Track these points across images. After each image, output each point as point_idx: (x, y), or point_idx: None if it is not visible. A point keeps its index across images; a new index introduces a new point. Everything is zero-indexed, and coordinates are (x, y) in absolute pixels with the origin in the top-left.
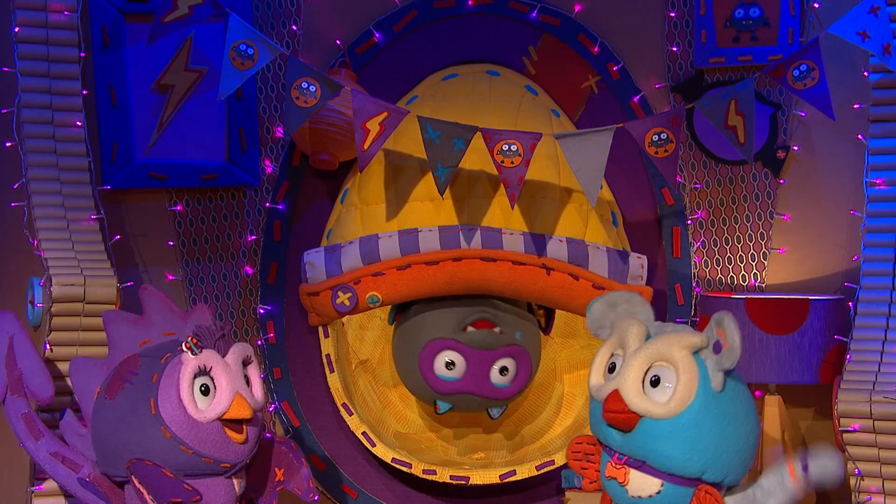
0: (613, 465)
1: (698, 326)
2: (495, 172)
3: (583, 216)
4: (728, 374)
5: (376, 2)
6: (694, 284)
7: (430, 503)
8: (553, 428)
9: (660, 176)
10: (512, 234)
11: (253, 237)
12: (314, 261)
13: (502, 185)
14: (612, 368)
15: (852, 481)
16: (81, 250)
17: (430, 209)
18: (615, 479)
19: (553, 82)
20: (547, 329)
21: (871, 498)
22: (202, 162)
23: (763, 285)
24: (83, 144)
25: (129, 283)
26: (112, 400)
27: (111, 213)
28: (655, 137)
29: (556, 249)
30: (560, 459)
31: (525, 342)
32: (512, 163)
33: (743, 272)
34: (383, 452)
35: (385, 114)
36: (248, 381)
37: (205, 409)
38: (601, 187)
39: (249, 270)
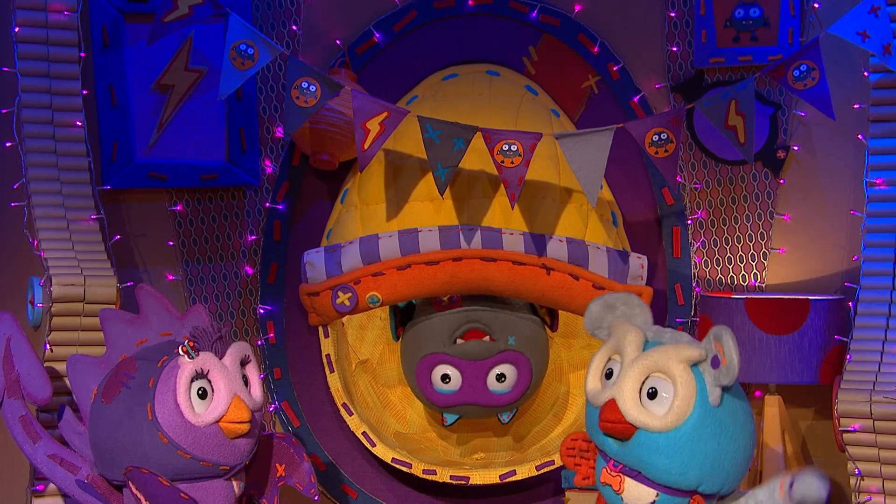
0: (609, 472)
1: (698, 327)
2: (495, 172)
3: (583, 216)
4: (726, 389)
5: (376, 2)
6: (694, 284)
7: (430, 503)
8: (553, 428)
9: (660, 176)
10: (512, 234)
11: (253, 237)
12: (314, 261)
13: (502, 185)
14: (609, 374)
15: (852, 481)
16: (81, 250)
17: (430, 209)
18: (610, 486)
19: (553, 82)
20: (553, 326)
21: (871, 498)
22: (202, 162)
23: (763, 285)
24: (83, 144)
25: (129, 283)
26: (109, 404)
27: (111, 213)
28: (655, 137)
29: (556, 249)
30: (560, 459)
31: (521, 346)
32: (512, 163)
33: (743, 272)
34: (383, 452)
35: (385, 114)
36: (246, 381)
37: (202, 413)
38: (601, 187)
39: (249, 270)
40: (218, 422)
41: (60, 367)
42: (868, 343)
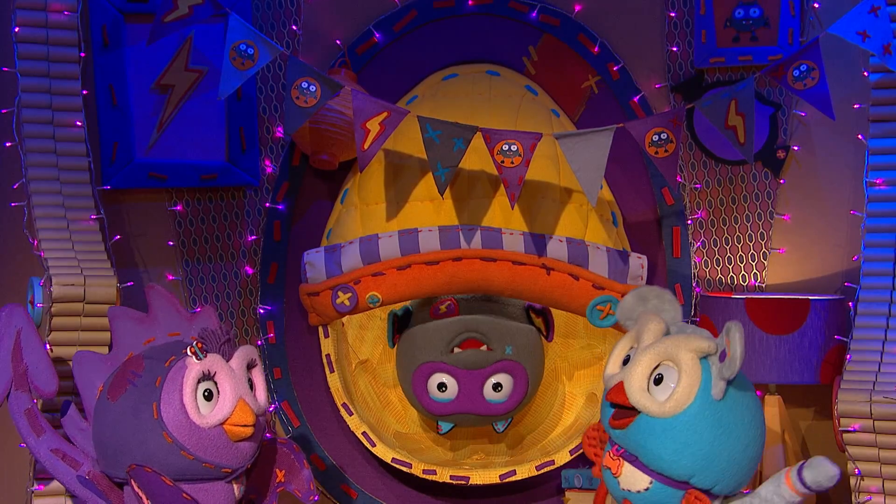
0: (611, 455)
1: (698, 326)
2: (495, 172)
3: (583, 216)
4: (731, 383)
5: (376, 2)
6: (694, 284)
7: (430, 503)
8: (553, 428)
9: (660, 176)
10: (512, 234)
11: (253, 237)
12: (314, 261)
13: (502, 185)
14: (626, 361)
15: (852, 481)
16: (81, 250)
17: (430, 209)
18: (610, 469)
19: (553, 82)
20: (549, 335)
21: (871, 498)
22: (202, 162)
23: (763, 285)
24: (83, 144)
25: (129, 283)
26: (114, 402)
27: (111, 213)
28: (655, 137)
29: (556, 249)
30: (560, 459)
31: (517, 355)
32: (512, 163)
33: (743, 272)
34: (383, 452)
35: (385, 114)
36: (251, 385)
37: (207, 415)
38: (601, 187)
39: (249, 270)
40: (222, 424)
41: (60, 367)
42: (868, 343)
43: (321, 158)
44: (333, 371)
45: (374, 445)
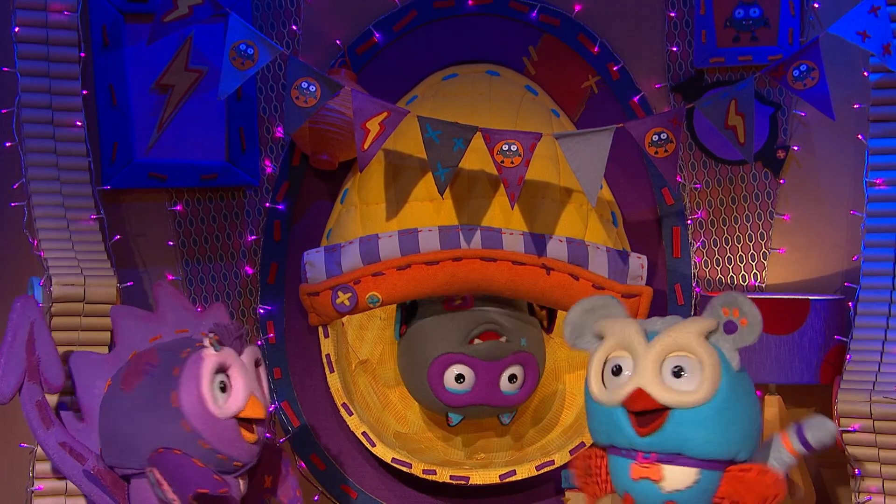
0: (641, 465)
1: None
2: (495, 172)
3: (583, 216)
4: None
5: (376, 2)
6: (694, 284)
7: (430, 503)
8: (553, 428)
9: (660, 176)
10: (512, 234)
11: (253, 237)
12: (314, 261)
13: (502, 185)
14: (616, 371)
15: (852, 482)
16: (81, 250)
17: (430, 209)
18: (647, 478)
19: (553, 82)
20: (549, 328)
21: (871, 498)
22: (202, 162)
23: (763, 285)
24: (83, 144)
25: (129, 283)
26: (130, 391)
27: (111, 213)
28: (655, 137)
29: (556, 249)
30: (560, 459)
31: (530, 347)
32: (512, 163)
33: (743, 272)
34: (383, 452)
35: (385, 114)
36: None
37: (222, 406)
38: (601, 187)
39: (249, 270)
40: (236, 416)
41: None
42: (868, 343)
43: (321, 158)
44: (333, 371)
45: (374, 445)
